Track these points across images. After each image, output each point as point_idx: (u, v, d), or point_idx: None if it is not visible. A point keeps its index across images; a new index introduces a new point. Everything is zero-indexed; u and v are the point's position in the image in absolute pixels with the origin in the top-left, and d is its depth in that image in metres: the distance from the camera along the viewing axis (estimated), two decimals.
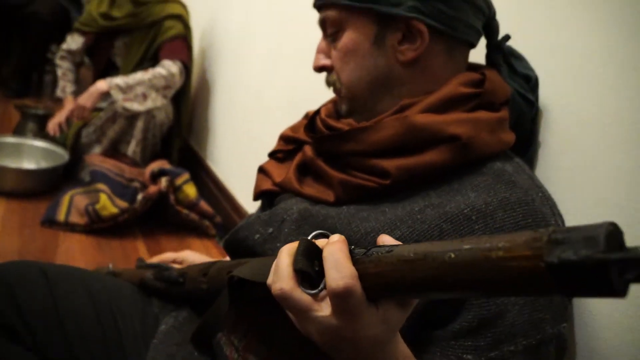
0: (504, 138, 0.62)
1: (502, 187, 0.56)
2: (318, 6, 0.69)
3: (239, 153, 1.86)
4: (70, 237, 1.54)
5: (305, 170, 0.71)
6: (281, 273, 0.38)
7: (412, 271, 0.32)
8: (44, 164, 1.87)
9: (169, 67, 1.89)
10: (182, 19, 2.01)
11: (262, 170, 0.78)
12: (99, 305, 0.73)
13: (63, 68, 2.10)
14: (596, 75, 0.65)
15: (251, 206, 1.65)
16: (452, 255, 0.30)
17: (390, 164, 0.60)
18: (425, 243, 0.33)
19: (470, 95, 0.62)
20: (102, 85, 1.78)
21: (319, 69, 0.71)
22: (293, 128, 0.80)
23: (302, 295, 0.37)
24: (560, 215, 0.58)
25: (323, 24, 0.69)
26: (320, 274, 0.38)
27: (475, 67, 0.68)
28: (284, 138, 0.80)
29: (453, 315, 0.52)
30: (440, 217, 0.56)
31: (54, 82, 3.32)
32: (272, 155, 0.79)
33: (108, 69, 2.12)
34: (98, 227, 1.57)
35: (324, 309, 0.37)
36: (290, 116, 1.47)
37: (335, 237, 0.38)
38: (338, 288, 0.35)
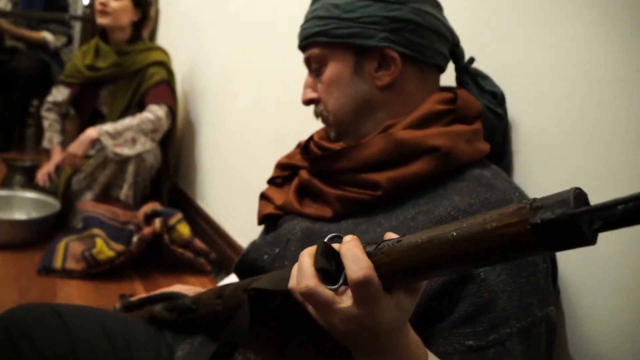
0: (480, 147, 0.69)
1: (483, 189, 0.63)
2: (302, 47, 0.77)
3: (228, 190, 1.91)
4: (68, 283, 1.56)
5: (303, 192, 0.77)
6: (305, 272, 0.43)
7: (421, 253, 0.38)
8: (35, 215, 1.89)
9: (155, 112, 1.95)
10: (165, 65, 2.09)
11: (263, 196, 0.84)
12: (113, 340, 0.76)
13: (49, 119, 2.15)
14: (554, 87, 0.73)
15: (244, 240, 1.69)
16: (454, 234, 0.36)
17: (380, 176, 0.66)
18: (428, 230, 0.39)
19: (445, 111, 0.70)
20: (92, 132, 1.83)
21: (307, 102, 0.78)
22: (288, 156, 0.87)
23: (325, 290, 0.42)
24: None
25: (308, 61, 0.77)
26: (338, 272, 0.43)
27: (446, 89, 0.76)
28: (280, 165, 0.86)
29: (451, 308, 0.57)
30: (431, 222, 0.62)
31: (37, 136, 3.36)
32: (271, 181, 0.85)
33: (94, 119, 2.17)
34: (95, 271, 1.58)
35: (346, 301, 0.42)
36: (275, 150, 1.54)
37: (349, 237, 0.43)
38: (358, 278, 0.40)
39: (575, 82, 0.70)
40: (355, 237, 0.43)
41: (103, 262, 1.58)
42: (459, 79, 0.79)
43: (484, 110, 0.73)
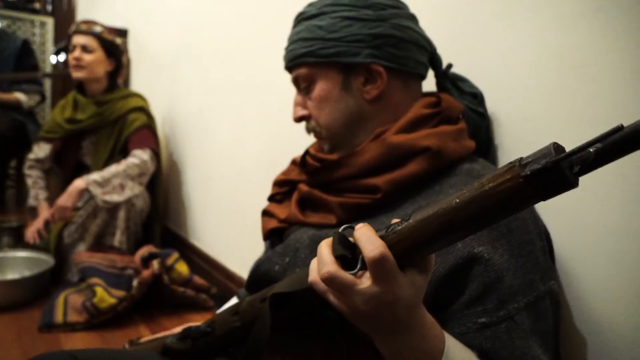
0: (467, 144, 0.74)
1: (474, 180, 0.68)
2: (289, 68, 0.81)
3: (220, 224, 1.93)
4: (72, 336, 1.54)
5: (304, 204, 0.80)
6: (325, 260, 0.47)
7: (429, 225, 0.42)
8: (28, 273, 1.87)
9: (140, 156, 1.98)
10: (145, 110, 2.12)
11: (266, 212, 0.87)
12: None
13: (33, 177, 2.15)
14: (527, 82, 0.79)
15: (243, 270, 1.71)
16: (457, 200, 0.40)
17: (378, 180, 0.71)
18: (432, 204, 0.43)
19: (431, 114, 0.75)
20: (79, 183, 1.84)
21: (298, 119, 0.82)
22: (284, 173, 0.91)
23: (345, 274, 0.46)
24: None
25: (296, 81, 0.81)
26: (354, 260, 0.46)
27: (429, 94, 0.81)
28: (278, 183, 0.90)
29: (461, 290, 0.61)
30: None
31: (17, 196, 3.32)
32: (271, 199, 0.89)
33: (78, 171, 2.18)
34: (99, 320, 1.57)
35: (365, 282, 0.45)
36: (261, 178, 1.58)
37: (361, 225, 0.47)
38: (375, 256, 0.43)
39: (544, 74, 0.76)
40: (366, 223, 0.47)
41: (105, 310, 1.57)
42: (439, 84, 0.84)
43: (466, 110, 0.79)
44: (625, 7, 0.66)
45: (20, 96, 2.95)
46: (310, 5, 0.79)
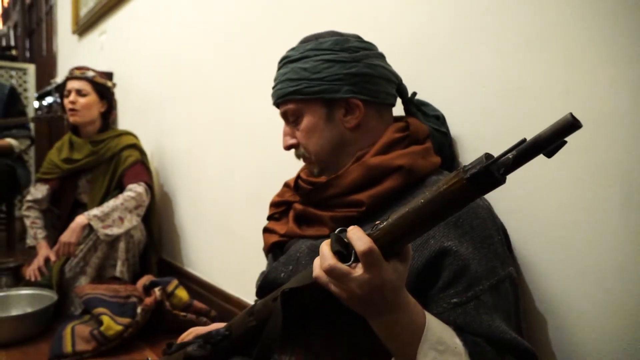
0: (433, 160, 0.89)
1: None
2: (277, 103, 0.94)
3: (214, 250, 2.04)
4: None
5: (300, 220, 0.94)
6: (325, 256, 0.60)
7: (404, 221, 0.56)
8: (31, 310, 1.94)
9: (135, 189, 2.09)
10: (137, 147, 2.25)
11: (266, 229, 1.00)
12: None
13: (31, 217, 2.24)
14: (483, 102, 0.95)
15: (241, 291, 1.81)
16: (422, 200, 0.55)
17: (362, 195, 0.84)
18: (404, 206, 0.57)
19: (402, 137, 0.89)
20: (81, 219, 1.94)
21: (288, 147, 0.95)
22: (279, 195, 1.04)
23: (342, 265, 0.59)
24: (483, 199, 0.84)
25: (285, 115, 0.94)
26: (349, 255, 0.60)
27: (398, 119, 0.96)
28: (274, 204, 1.03)
29: (436, 279, 0.74)
30: None
31: (8, 239, 3.37)
32: (270, 218, 1.02)
33: (75, 209, 2.27)
34: (106, 348, 1.65)
35: (358, 271, 0.58)
36: (252, 205, 1.71)
37: (352, 227, 0.60)
38: (365, 249, 0.57)
39: (497, 94, 0.92)
40: (357, 226, 0.60)
41: (113, 337, 1.65)
42: (406, 109, 0.99)
43: (430, 131, 0.94)
44: (557, 37, 0.82)
45: (12, 141, 3.04)
46: (292, 49, 0.93)
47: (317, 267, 0.62)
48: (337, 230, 0.63)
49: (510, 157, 0.49)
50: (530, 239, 0.88)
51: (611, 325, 0.77)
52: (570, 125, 0.46)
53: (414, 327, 0.63)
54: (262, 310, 0.80)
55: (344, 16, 1.30)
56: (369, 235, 0.59)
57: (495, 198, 0.89)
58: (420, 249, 0.76)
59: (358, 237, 0.58)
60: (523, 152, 0.49)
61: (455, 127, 1.00)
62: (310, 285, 0.66)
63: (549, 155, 0.49)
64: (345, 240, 0.61)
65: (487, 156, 0.51)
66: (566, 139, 0.47)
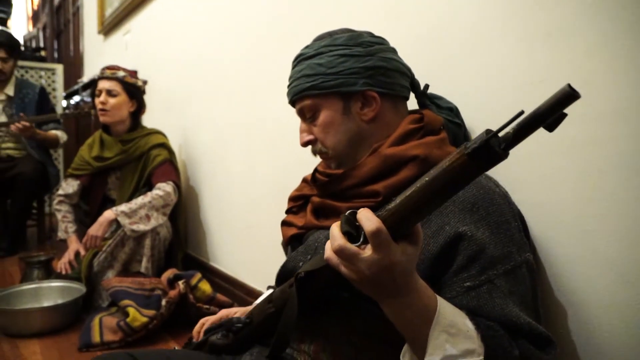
0: (449, 150, 0.90)
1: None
2: (293, 101, 0.95)
3: (237, 244, 2.08)
4: None
5: (318, 212, 0.96)
6: (335, 236, 0.60)
7: (410, 200, 0.56)
8: (62, 301, 2.01)
9: (164, 188, 2.14)
10: (166, 146, 2.30)
11: (285, 222, 1.03)
12: None
13: (62, 211, 2.31)
14: (496, 95, 0.95)
15: (261, 284, 1.84)
16: (427, 179, 0.55)
17: (378, 186, 0.85)
18: (410, 186, 0.57)
19: (417, 129, 0.90)
20: (109, 214, 2.01)
21: (305, 143, 0.96)
22: (297, 189, 1.06)
23: (351, 246, 0.59)
24: (499, 186, 0.85)
25: (301, 111, 0.95)
26: (358, 236, 0.60)
27: (413, 111, 0.97)
28: (293, 198, 1.05)
29: (450, 263, 0.75)
30: None
31: (39, 234, 3.49)
32: (289, 211, 1.04)
33: (103, 204, 2.34)
34: (132, 339, 1.71)
35: (367, 252, 0.58)
36: (274, 201, 1.74)
37: (362, 209, 0.61)
38: (373, 229, 0.57)
39: (508, 89, 0.92)
40: (366, 208, 0.61)
41: (139, 328, 1.71)
42: (420, 102, 1.00)
43: (445, 122, 0.95)
44: (578, 30, 0.82)
45: (58, 133, 3.16)
46: (307, 47, 0.94)
47: (328, 249, 0.63)
48: (348, 212, 0.63)
49: (511, 131, 0.49)
50: (552, 231, 0.87)
51: (634, 319, 0.77)
52: (569, 95, 0.45)
53: (425, 310, 0.63)
54: (280, 297, 0.82)
55: (365, 11, 1.32)
56: (377, 216, 0.59)
57: (519, 190, 0.89)
58: (436, 235, 0.77)
59: (367, 218, 0.58)
60: (523, 126, 0.49)
61: (472, 120, 1.00)
62: (323, 268, 0.68)
63: (550, 129, 0.49)
64: (356, 223, 0.61)
65: (488, 131, 0.51)
66: (566, 110, 0.47)
